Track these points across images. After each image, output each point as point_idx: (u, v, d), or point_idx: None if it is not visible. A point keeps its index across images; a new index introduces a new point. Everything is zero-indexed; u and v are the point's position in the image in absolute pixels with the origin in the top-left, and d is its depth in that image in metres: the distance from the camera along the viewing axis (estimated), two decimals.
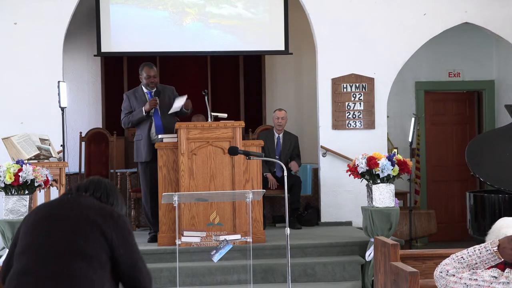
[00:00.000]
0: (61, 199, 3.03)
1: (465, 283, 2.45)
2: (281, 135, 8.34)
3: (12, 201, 6.04)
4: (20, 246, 2.88)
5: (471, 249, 2.57)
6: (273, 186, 8.16)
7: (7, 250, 6.06)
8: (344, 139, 8.46)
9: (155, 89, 7.35)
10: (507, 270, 2.43)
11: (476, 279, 2.43)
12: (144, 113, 7.18)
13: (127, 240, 2.89)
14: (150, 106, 7.17)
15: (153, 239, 7.13)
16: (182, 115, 7.41)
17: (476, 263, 2.53)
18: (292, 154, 8.35)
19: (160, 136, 7.10)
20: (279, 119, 8.30)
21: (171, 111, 7.19)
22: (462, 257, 2.55)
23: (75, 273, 2.75)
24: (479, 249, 2.55)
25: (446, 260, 2.57)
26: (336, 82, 8.53)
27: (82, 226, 2.84)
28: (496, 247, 2.52)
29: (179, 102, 7.16)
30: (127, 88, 10.06)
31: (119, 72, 10.13)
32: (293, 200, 7.99)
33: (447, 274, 2.52)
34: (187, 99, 7.18)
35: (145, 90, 7.35)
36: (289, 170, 8.05)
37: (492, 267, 2.71)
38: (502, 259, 2.53)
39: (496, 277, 2.40)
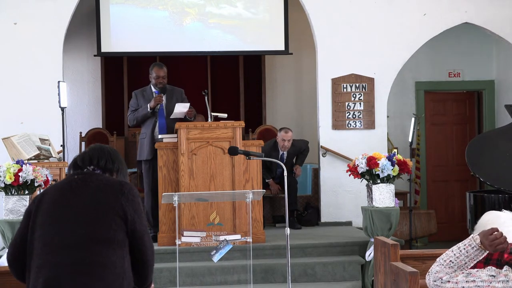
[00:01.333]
0: (70, 181, 3.05)
1: (462, 287, 2.45)
2: (286, 152, 8.19)
3: (12, 201, 6.04)
4: (39, 240, 2.92)
5: (455, 250, 2.55)
6: (276, 192, 8.17)
7: (7, 250, 6.07)
8: (344, 139, 8.46)
9: (164, 89, 7.34)
10: (505, 268, 2.42)
11: (474, 281, 2.43)
12: (149, 110, 7.18)
13: (137, 214, 2.99)
14: (155, 103, 7.16)
15: (153, 239, 7.13)
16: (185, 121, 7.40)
17: (466, 263, 2.53)
18: (297, 157, 8.33)
19: (160, 136, 7.10)
20: (285, 141, 8.05)
21: (172, 116, 7.17)
22: (450, 260, 2.54)
23: (97, 259, 2.85)
24: (464, 248, 2.54)
25: (436, 268, 2.56)
26: (336, 82, 8.53)
27: (97, 213, 2.92)
28: (479, 241, 2.52)
29: (180, 109, 7.15)
30: (127, 88, 10.08)
31: (119, 72, 10.13)
32: (290, 202, 7.88)
33: (442, 282, 2.52)
34: (190, 107, 7.17)
35: (153, 89, 7.34)
36: (290, 172, 8.05)
37: (478, 266, 2.70)
38: (487, 252, 2.53)
39: (494, 276, 2.40)
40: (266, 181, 8.00)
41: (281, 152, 8.16)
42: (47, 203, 3.00)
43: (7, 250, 6.03)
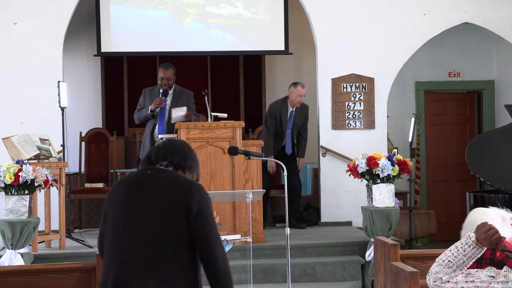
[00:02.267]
0: (143, 176, 3.09)
1: (462, 287, 2.45)
2: (294, 108, 8.03)
3: (12, 201, 6.04)
4: (111, 234, 3.01)
5: (453, 249, 2.56)
6: (272, 172, 7.96)
7: (7, 250, 6.07)
8: (344, 139, 8.46)
9: (171, 90, 7.35)
10: (505, 268, 2.42)
11: (473, 281, 2.43)
12: (149, 112, 7.21)
13: (203, 214, 2.97)
14: (154, 106, 7.19)
15: None
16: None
17: (464, 262, 2.53)
18: (299, 134, 8.10)
19: (160, 136, 7.11)
20: (301, 97, 7.95)
21: (173, 121, 7.16)
22: (449, 260, 2.54)
23: (164, 261, 2.89)
24: (461, 247, 2.54)
25: (435, 268, 2.56)
26: (336, 82, 8.53)
27: (164, 213, 2.95)
28: (475, 239, 2.52)
29: (178, 113, 7.15)
30: (127, 88, 10.08)
31: (119, 72, 10.13)
32: (292, 210, 7.72)
33: (442, 282, 2.52)
34: (187, 111, 7.18)
35: (161, 90, 7.36)
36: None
37: (476, 265, 2.70)
38: (485, 249, 2.53)
39: (493, 277, 2.40)
40: (266, 158, 7.22)
41: (290, 109, 8.03)
42: (119, 197, 3.06)
43: (7, 250, 6.03)
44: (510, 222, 3.50)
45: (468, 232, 3.60)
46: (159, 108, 7.22)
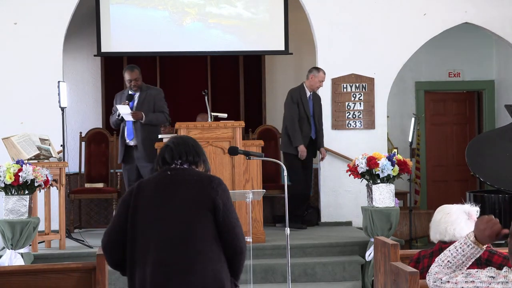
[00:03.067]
0: (165, 177, 3.26)
1: (462, 287, 2.45)
2: (311, 93, 8.05)
3: (12, 201, 6.04)
4: (142, 235, 3.14)
5: (452, 249, 2.56)
6: (301, 157, 7.87)
7: (7, 250, 6.07)
8: (344, 139, 8.46)
9: (138, 91, 7.39)
10: (505, 269, 2.42)
11: (473, 281, 2.43)
12: (117, 116, 7.36)
13: (227, 207, 3.20)
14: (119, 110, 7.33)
15: None
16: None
17: (463, 262, 2.54)
18: (317, 136, 8.04)
19: (160, 136, 7.13)
20: (322, 82, 8.00)
21: (122, 116, 7.30)
22: (448, 261, 2.55)
23: (197, 257, 3.08)
24: (460, 247, 2.54)
25: (435, 269, 2.56)
26: (336, 82, 8.53)
27: (191, 210, 3.15)
28: (474, 238, 2.52)
29: (122, 110, 7.23)
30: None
31: (119, 72, 10.07)
32: (297, 214, 7.84)
33: (441, 282, 2.52)
34: (132, 112, 7.25)
35: (130, 91, 7.40)
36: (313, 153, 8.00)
37: (474, 266, 2.70)
38: (484, 249, 2.53)
39: (493, 277, 2.39)
40: (296, 146, 7.74)
41: (308, 94, 8.02)
42: (146, 198, 3.20)
43: (7, 251, 6.04)
44: (477, 215, 3.52)
45: (434, 232, 3.62)
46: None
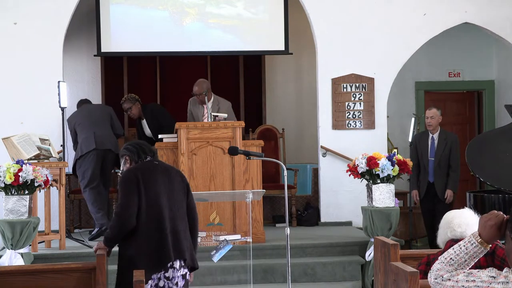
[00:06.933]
0: (155, 167, 4.26)
1: (462, 286, 2.44)
2: (435, 135, 7.87)
3: (12, 201, 6.04)
4: (153, 210, 4.11)
5: (456, 248, 2.56)
6: (415, 202, 7.94)
7: (7, 250, 6.07)
8: (344, 139, 8.46)
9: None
10: (505, 269, 2.42)
11: (474, 280, 2.43)
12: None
13: (191, 191, 4.36)
14: None
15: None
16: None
17: (466, 260, 2.53)
18: (449, 165, 7.78)
19: (160, 136, 7.14)
20: (428, 118, 7.85)
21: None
22: (451, 258, 2.55)
23: (185, 229, 4.22)
24: (464, 246, 2.54)
25: (437, 265, 2.56)
26: (336, 82, 8.53)
27: (179, 193, 4.24)
28: (479, 237, 2.52)
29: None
30: (127, 88, 10.06)
31: (119, 72, 10.13)
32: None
33: (442, 280, 2.52)
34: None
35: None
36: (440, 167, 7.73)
37: (479, 265, 2.70)
38: (488, 249, 2.53)
39: (494, 277, 2.39)
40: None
41: (430, 136, 7.89)
42: (150, 181, 4.13)
43: (7, 250, 6.04)
44: None
45: (444, 232, 3.63)
46: None
